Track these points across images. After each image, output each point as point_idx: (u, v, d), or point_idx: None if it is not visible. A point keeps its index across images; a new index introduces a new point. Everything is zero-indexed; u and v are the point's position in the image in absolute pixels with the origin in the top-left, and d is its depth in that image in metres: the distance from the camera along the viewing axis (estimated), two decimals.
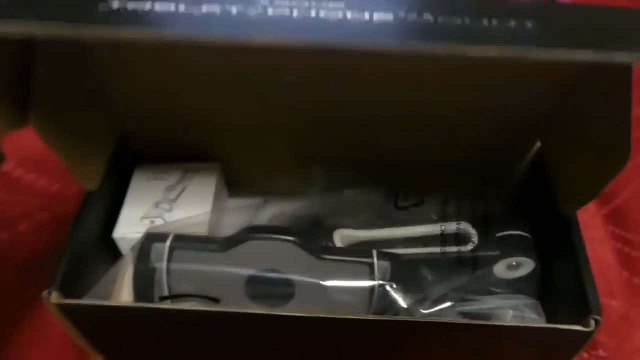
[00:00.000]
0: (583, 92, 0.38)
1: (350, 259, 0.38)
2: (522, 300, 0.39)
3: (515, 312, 0.39)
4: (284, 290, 0.38)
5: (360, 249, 0.39)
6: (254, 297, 0.38)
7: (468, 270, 0.39)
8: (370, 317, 0.36)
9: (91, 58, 0.39)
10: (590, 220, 0.51)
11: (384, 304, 0.37)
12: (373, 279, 0.37)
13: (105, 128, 0.44)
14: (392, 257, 0.38)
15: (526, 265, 0.40)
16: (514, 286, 0.41)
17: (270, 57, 0.38)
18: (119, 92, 0.42)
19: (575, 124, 0.39)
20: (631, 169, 0.51)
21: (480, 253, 0.40)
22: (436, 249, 0.40)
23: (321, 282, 0.37)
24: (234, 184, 0.48)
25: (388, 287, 0.37)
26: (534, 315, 0.39)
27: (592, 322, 0.34)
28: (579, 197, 0.37)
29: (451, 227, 0.41)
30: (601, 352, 0.44)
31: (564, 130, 0.41)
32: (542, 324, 0.37)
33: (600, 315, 0.34)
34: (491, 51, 0.25)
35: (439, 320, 0.35)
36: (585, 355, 0.44)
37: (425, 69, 0.38)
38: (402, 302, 0.37)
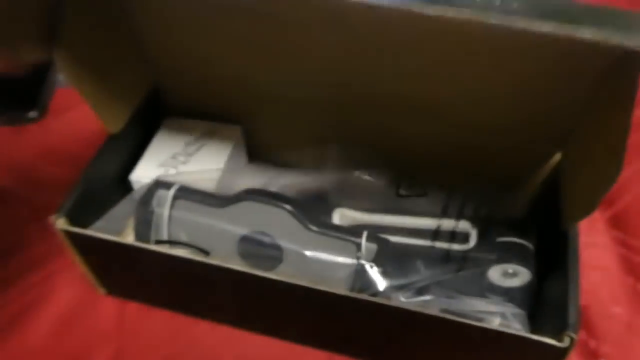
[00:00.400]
0: (599, 103, 0.37)
1: (338, 236, 0.38)
2: (509, 309, 0.38)
3: (502, 321, 0.38)
4: (272, 253, 0.39)
5: (351, 228, 0.39)
6: (245, 256, 0.39)
7: (455, 267, 0.39)
8: (340, 292, 0.36)
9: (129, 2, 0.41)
10: (592, 225, 0.49)
11: (364, 284, 0.38)
12: (357, 258, 0.38)
13: (137, 76, 0.46)
14: (381, 242, 0.38)
15: (522, 275, 0.39)
16: (508, 295, 0.39)
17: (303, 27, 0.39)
18: (155, 42, 0.44)
19: (590, 136, 0.37)
20: (634, 173, 0.51)
21: (474, 254, 0.39)
22: (426, 242, 0.40)
23: (305, 252, 0.38)
24: (255, 151, 0.50)
25: (367, 267, 0.37)
26: (517, 325, 0.38)
27: (567, 339, 0.33)
28: (581, 209, 0.36)
29: (449, 224, 0.40)
30: None
31: (582, 143, 0.39)
32: (514, 331, 0.36)
33: (576, 332, 0.33)
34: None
35: (401, 307, 0.35)
36: None
37: (455, 57, 0.38)
38: (379, 284, 0.37)
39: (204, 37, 0.43)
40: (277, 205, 0.39)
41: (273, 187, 0.45)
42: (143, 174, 0.44)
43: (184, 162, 0.45)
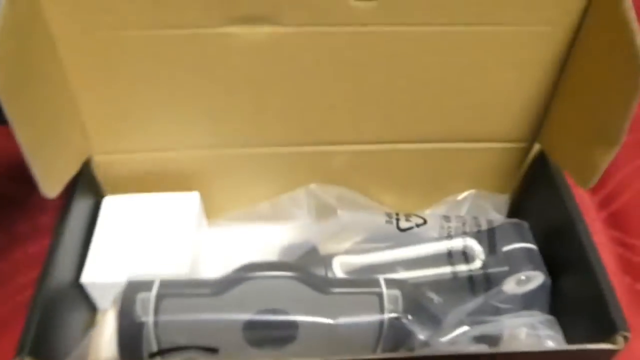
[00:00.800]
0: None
1: (357, 291, 0.35)
2: (536, 318, 0.37)
3: (529, 331, 0.37)
4: (286, 332, 0.34)
5: (367, 279, 0.36)
6: (253, 343, 0.34)
7: (480, 291, 0.37)
8: (388, 355, 0.33)
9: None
10: (590, 224, 0.48)
11: (396, 337, 0.35)
12: (383, 311, 0.34)
13: (75, 142, 0.39)
14: (401, 285, 0.35)
15: (535, 279, 0.38)
16: (524, 301, 0.38)
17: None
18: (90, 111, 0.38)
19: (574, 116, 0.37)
20: (632, 171, 0.51)
21: (491, 270, 0.38)
22: (446, 270, 0.38)
23: (329, 320, 0.34)
24: (211, 213, 0.44)
25: (404, 320, 0.34)
26: (550, 332, 0.37)
27: (621, 340, 0.32)
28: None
29: (457, 243, 0.39)
30: None
31: (561, 126, 0.39)
32: (566, 345, 0.36)
33: (628, 330, 0.32)
34: None
35: (460, 353, 0.33)
36: None
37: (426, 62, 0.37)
38: (419, 334, 0.34)
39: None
40: (284, 277, 0.34)
41: (247, 252, 0.40)
42: (96, 274, 0.37)
43: (143, 250, 0.38)
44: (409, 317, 0.34)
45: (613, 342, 0.32)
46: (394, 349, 0.35)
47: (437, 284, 0.38)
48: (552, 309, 0.38)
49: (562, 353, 0.34)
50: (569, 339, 0.37)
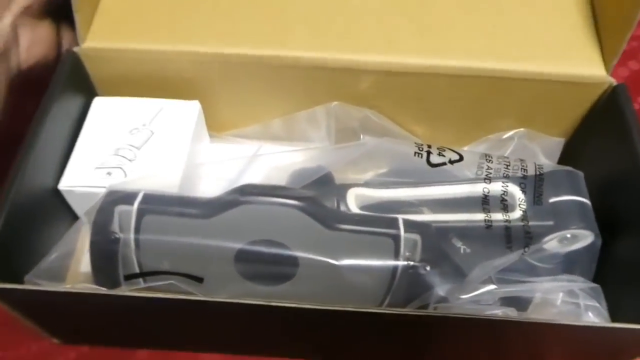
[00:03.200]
0: None
1: (371, 230, 0.30)
2: (578, 284, 0.32)
3: (567, 297, 0.32)
4: (283, 269, 0.29)
5: (384, 218, 0.30)
6: (247, 276, 0.30)
7: (517, 245, 0.31)
8: (396, 311, 0.28)
9: None
10: None
11: (410, 288, 0.30)
12: (397, 257, 0.29)
13: None
14: (423, 228, 0.30)
15: (583, 239, 0.32)
16: (566, 262, 0.33)
17: None
18: None
19: None
20: None
21: (532, 223, 0.32)
22: (479, 216, 0.32)
23: (332, 260, 0.29)
24: (216, 127, 0.39)
25: (421, 270, 0.29)
26: (592, 302, 0.31)
27: None
28: None
29: (496, 188, 0.33)
30: None
31: None
32: (608, 322, 0.31)
33: None
34: None
35: (477, 316, 0.28)
36: None
37: None
38: (437, 288, 0.29)
39: None
40: (286, 204, 0.29)
41: (252, 175, 0.35)
42: (75, 180, 0.33)
43: (132, 159, 0.33)
44: (428, 267, 0.29)
45: None
46: (406, 302, 0.30)
47: (467, 232, 0.33)
48: (598, 276, 0.33)
49: (603, 330, 0.29)
50: (614, 314, 0.31)
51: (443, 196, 0.33)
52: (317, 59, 0.34)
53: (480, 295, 0.31)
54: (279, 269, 0.29)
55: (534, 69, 0.34)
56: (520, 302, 0.32)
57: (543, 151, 0.37)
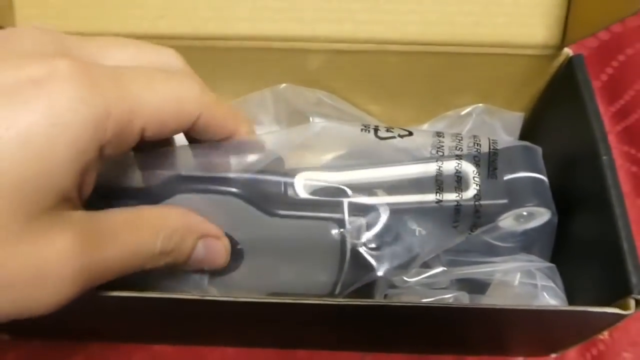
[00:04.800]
0: None
1: (314, 215, 0.29)
2: (533, 263, 0.31)
3: (524, 278, 0.31)
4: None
5: (328, 201, 0.29)
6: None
7: (471, 225, 0.30)
8: (318, 301, 0.27)
9: None
10: None
11: (358, 272, 0.29)
12: (343, 242, 0.28)
13: None
14: (369, 210, 0.29)
15: (539, 217, 0.31)
16: (523, 240, 0.32)
17: None
18: None
19: None
20: None
21: (485, 202, 0.30)
22: (431, 196, 0.30)
23: (275, 249, 0.29)
24: None
25: (362, 250, 0.28)
26: (548, 283, 0.30)
27: (632, 303, 0.26)
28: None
29: (449, 166, 0.31)
30: None
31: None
32: (564, 305, 0.30)
33: None
34: None
35: (418, 305, 0.28)
36: None
37: None
38: (378, 269, 0.28)
39: None
40: (223, 192, 0.28)
41: (189, 164, 0.33)
42: None
43: None
44: (374, 248, 0.28)
45: (623, 307, 0.26)
46: (358, 286, 0.30)
47: (420, 213, 0.31)
48: (555, 255, 0.32)
49: (557, 313, 0.28)
50: (571, 293, 0.31)
51: (396, 177, 0.32)
52: (261, 44, 0.33)
53: (429, 278, 0.30)
54: None
55: (489, 42, 0.33)
56: (478, 285, 0.32)
57: (503, 126, 0.36)
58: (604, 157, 0.29)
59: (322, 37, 0.33)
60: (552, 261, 0.31)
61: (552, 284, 0.30)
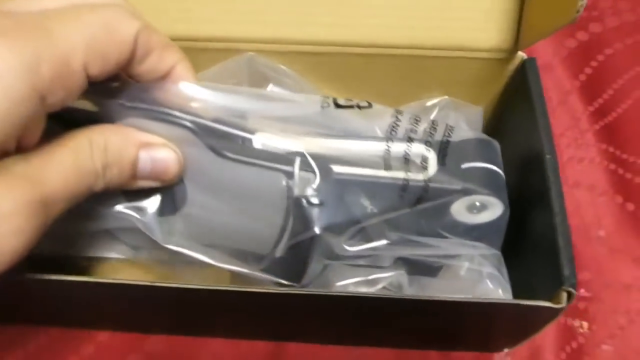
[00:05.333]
0: None
1: (264, 164, 0.28)
2: (480, 250, 0.30)
3: (471, 265, 0.30)
4: (171, 194, 0.28)
5: (281, 154, 0.29)
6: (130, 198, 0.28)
7: (410, 202, 0.30)
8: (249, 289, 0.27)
9: None
10: (580, 137, 0.44)
11: (298, 226, 0.28)
12: (290, 194, 0.28)
13: None
14: (321, 170, 0.29)
15: (493, 209, 0.31)
16: (475, 233, 0.31)
17: None
18: None
19: None
20: (632, 78, 0.45)
21: (435, 185, 0.30)
22: (379, 171, 0.30)
23: (218, 193, 0.28)
24: None
25: (304, 203, 0.28)
26: (492, 270, 0.30)
27: (564, 296, 0.27)
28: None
29: (399, 147, 0.31)
30: (583, 292, 0.38)
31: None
32: (500, 298, 0.30)
33: (574, 286, 0.27)
34: None
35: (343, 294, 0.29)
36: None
37: None
38: (316, 226, 0.28)
39: None
40: (175, 122, 0.28)
41: None
42: None
43: None
44: (318, 202, 0.28)
45: (556, 301, 0.27)
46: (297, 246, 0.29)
47: (370, 189, 0.31)
48: (503, 248, 0.32)
49: (494, 306, 0.28)
50: (516, 284, 0.31)
51: (348, 150, 0.32)
52: (225, 45, 0.34)
53: (372, 251, 0.29)
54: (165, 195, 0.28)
55: (447, 45, 0.34)
56: (428, 268, 0.31)
57: (467, 120, 0.36)
58: (548, 156, 0.30)
59: (285, 39, 0.34)
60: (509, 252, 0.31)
61: (497, 273, 0.30)
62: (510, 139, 0.34)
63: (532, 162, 0.31)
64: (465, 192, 0.30)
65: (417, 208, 0.29)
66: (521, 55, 0.35)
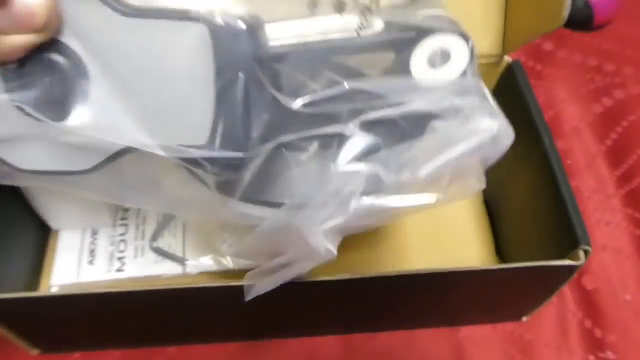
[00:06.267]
0: None
1: (179, 13, 0.21)
2: (468, 101, 0.24)
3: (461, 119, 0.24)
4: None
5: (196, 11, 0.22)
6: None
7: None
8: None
9: None
10: (606, 202, 0.44)
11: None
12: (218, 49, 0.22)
13: None
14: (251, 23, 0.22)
15: (458, 55, 0.24)
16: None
17: None
18: None
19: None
20: None
21: (383, 37, 0.24)
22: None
23: (129, 66, 0.22)
24: None
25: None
26: (489, 121, 0.24)
27: (581, 254, 0.28)
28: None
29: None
30: (610, 355, 0.38)
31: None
32: (522, 262, 0.29)
33: (589, 244, 0.28)
34: None
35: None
36: (592, 357, 0.38)
37: None
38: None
39: None
40: None
41: None
42: None
43: None
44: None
45: (574, 258, 0.29)
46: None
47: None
48: (507, 227, 0.35)
49: (515, 270, 0.29)
50: (526, 253, 0.33)
51: None
52: None
53: (325, 105, 0.23)
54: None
55: None
56: (410, 129, 0.25)
57: None
58: (546, 139, 0.32)
59: None
60: (505, 231, 0.33)
61: (490, 120, 0.24)
62: None
63: (530, 147, 0.33)
64: (420, 36, 0.24)
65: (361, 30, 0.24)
66: (507, 58, 0.37)
